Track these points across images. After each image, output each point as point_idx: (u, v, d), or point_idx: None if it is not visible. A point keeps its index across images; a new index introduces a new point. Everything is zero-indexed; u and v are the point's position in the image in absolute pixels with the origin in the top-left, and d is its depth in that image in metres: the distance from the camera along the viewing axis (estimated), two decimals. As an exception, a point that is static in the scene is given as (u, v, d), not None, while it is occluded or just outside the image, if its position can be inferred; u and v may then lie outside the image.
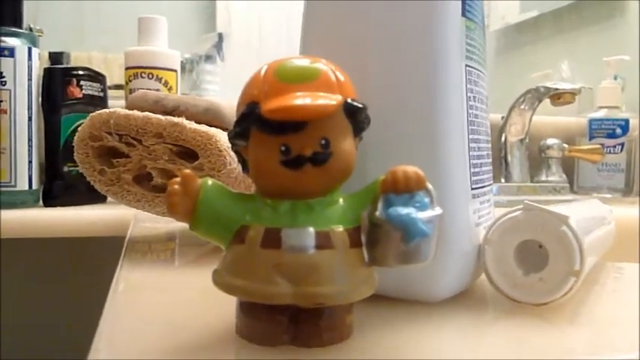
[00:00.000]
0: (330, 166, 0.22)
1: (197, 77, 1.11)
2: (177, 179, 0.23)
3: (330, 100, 0.22)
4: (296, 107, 0.21)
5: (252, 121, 0.22)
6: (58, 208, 0.70)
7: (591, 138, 1.01)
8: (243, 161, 0.24)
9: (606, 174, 1.01)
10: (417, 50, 0.28)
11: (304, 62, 0.23)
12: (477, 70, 0.30)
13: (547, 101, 0.93)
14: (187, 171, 0.23)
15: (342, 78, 0.23)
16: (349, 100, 0.23)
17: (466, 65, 0.29)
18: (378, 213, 0.22)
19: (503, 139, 0.95)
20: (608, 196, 0.98)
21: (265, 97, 0.22)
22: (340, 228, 0.22)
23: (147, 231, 0.53)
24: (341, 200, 0.23)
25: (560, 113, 1.02)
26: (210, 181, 0.24)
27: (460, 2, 0.29)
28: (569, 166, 1.02)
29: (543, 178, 0.99)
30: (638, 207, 0.78)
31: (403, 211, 0.21)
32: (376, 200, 0.22)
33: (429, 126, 0.28)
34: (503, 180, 0.95)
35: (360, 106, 0.23)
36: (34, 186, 0.71)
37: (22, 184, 0.69)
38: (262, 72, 0.23)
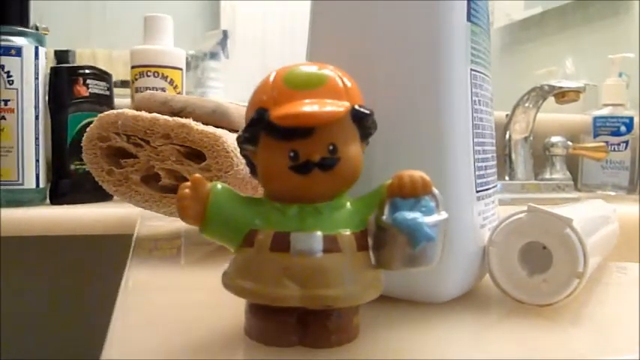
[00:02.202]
0: (337, 171, 0.23)
1: (201, 74, 1.11)
2: (188, 183, 0.24)
3: (337, 106, 0.22)
4: (304, 114, 0.22)
5: (262, 127, 0.23)
6: (65, 206, 0.71)
7: (596, 136, 1.01)
8: (252, 165, 0.25)
9: (610, 172, 1.01)
10: (423, 55, 0.28)
11: (312, 69, 0.24)
12: (482, 73, 0.31)
13: (552, 98, 0.94)
14: (197, 175, 0.24)
15: (349, 84, 0.23)
16: (356, 107, 0.23)
17: (471, 69, 0.29)
18: (384, 217, 0.22)
19: (507, 136, 0.95)
20: (612, 193, 0.99)
21: (274, 104, 0.22)
22: (347, 232, 0.23)
23: (154, 229, 0.54)
24: (348, 204, 0.24)
25: (564, 111, 1.02)
26: (219, 185, 0.24)
27: (465, 7, 0.29)
28: (573, 164, 1.02)
29: (547, 175, 0.99)
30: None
31: (409, 215, 0.22)
32: (383, 204, 0.23)
33: (434, 130, 0.28)
34: (507, 178, 0.95)
35: (367, 112, 0.23)
36: (41, 184, 0.71)
37: (30, 183, 0.70)
38: (271, 78, 0.23)
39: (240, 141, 0.24)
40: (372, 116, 0.24)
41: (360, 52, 0.29)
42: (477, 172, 0.30)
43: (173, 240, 0.50)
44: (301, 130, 0.22)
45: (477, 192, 0.30)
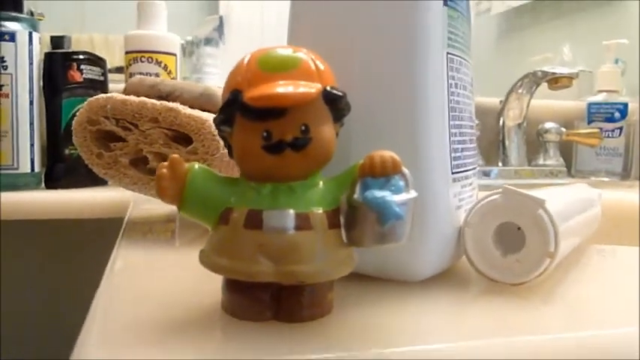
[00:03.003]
0: (309, 151, 0.23)
1: (198, 60, 1.11)
2: (165, 164, 0.24)
3: (309, 88, 0.23)
4: (277, 95, 0.22)
5: (236, 108, 0.23)
6: (60, 190, 0.72)
7: (590, 122, 1.02)
8: (229, 146, 0.25)
9: (604, 158, 1.02)
10: (398, 38, 0.29)
11: (286, 52, 0.24)
12: (459, 57, 0.31)
13: (546, 84, 0.94)
14: (175, 155, 0.24)
15: (321, 67, 0.24)
16: (328, 88, 0.24)
17: (447, 53, 0.30)
18: (355, 196, 0.23)
19: (501, 123, 0.96)
20: (606, 179, 0.99)
21: (248, 85, 0.23)
22: (320, 210, 0.23)
23: (146, 212, 0.54)
24: (321, 183, 0.24)
25: (558, 97, 1.02)
26: (197, 166, 0.25)
27: (442, -9, 0.29)
28: (567, 150, 1.03)
29: (541, 162, 0.99)
30: (639, 191, 0.79)
31: (379, 194, 0.22)
32: (355, 184, 0.23)
33: (409, 112, 0.29)
34: (500, 164, 0.96)
35: (339, 93, 0.24)
36: (36, 168, 0.72)
37: (25, 167, 0.71)
38: (245, 61, 0.24)
39: (217, 122, 0.25)
40: (345, 98, 0.24)
41: (335, 34, 0.30)
42: (453, 154, 0.30)
43: (165, 223, 0.51)
44: (274, 111, 0.23)
45: (453, 174, 0.30)
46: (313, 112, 0.23)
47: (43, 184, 0.74)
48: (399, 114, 0.29)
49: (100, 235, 0.74)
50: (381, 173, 0.23)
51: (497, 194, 0.30)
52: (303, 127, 0.23)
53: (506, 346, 0.23)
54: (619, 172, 1.01)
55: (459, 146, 0.31)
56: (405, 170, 0.23)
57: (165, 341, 0.22)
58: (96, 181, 0.73)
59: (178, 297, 0.28)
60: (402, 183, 0.23)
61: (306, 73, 0.23)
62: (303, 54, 0.24)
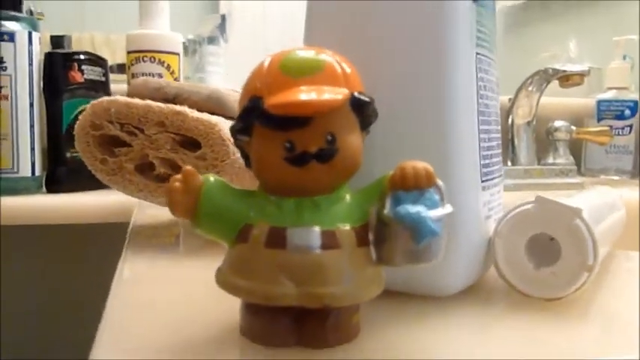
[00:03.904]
0: (336, 163, 0.21)
1: (200, 59, 1.09)
2: (178, 176, 0.22)
3: (335, 94, 0.21)
4: (301, 102, 0.21)
5: (256, 116, 0.21)
6: (62, 194, 0.70)
7: (599, 119, 1.00)
8: (246, 156, 0.23)
9: (614, 156, 1.00)
10: (427, 39, 0.27)
11: (309, 54, 0.22)
12: (488, 57, 0.29)
13: (555, 81, 0.92)
14: (189, 167, 0.23)
15: (348, 70, 0.22)
16: (356, 94, 0.22)
17: (477, 53, 0.28)
18: (386, 211, 0.21)
19: (510, 121, 0.94)
20: (616, 178, 0.98)
21: (269, 91, 0.21)
22: (347, 226, 0.22)
23: (150, 218, 0.53)
24: (348, 197, 0.23)
25: (568, 94, 1.00)
26: (212, 178, 0.23)
27: (471, -13, 0.27)
28: (577, 148, 1.01)
29: (551, 160, 0.98)
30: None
31: (413, 209, 0.21)
32: (384, 197, 0.22)
33: (438, 118, 0.27)
34: (510, 163, 0.94)
35: (367, 99, 0.22)
36: (37, 172, 0.70)
37: (25, 171, 0.69)
38: (266, 64, 0.22)
39: (234, 131, 0.23)
40: (373, 104, 0.23)
41: (360, 35, 0.28)
42: (482, 162, 0.28)
43: (171, 227, 0.49)
44: (297, 120, 0.21)
45: (483, 182, 0.29)
46: (339, 120, 0.22)
47: (44, 188, 0.72)
48: (427, 120, 0.27)
49: (103, 240, 0.73)
50: (414, 186, 0.21)
51: (529, 203, 0.28)
52: (329, 137, 0.21)
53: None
54: (629, 170, 0.99)
55: (488, 152, 0.29)
56: (440, 182, 0.21)
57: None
58: (99, 185, 0.71)
59: (192, 317, 0.26)
60: (437, 197, 0.21)
61: (331, 78, 0.22)
62: (328, 56, 0.22)
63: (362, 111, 0.22)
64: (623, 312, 0.29)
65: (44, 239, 0.82)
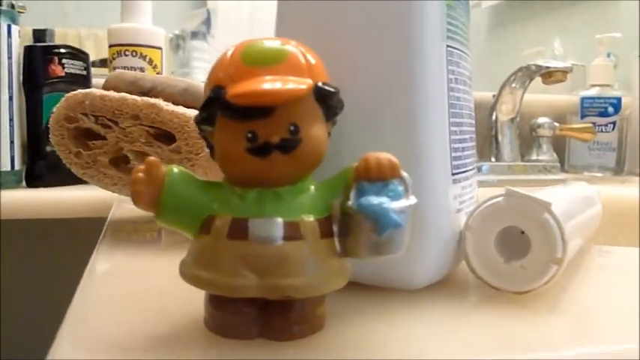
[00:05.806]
0: (299, 153, 0.21)
1: (185, 55, 1.09)
2: (141, 167, 0.22)
3: (299, 84, 0.21)
4: (263, 92, 0.20)
5: (218, 106, 0.21)
6: (42, 188, 0.69)
7: (583, 116, 1.00)
8: (210, 147, 0.23)
9: (597, 153, 1.00)
10: (395, 31, 0.27)
11: (272, 44, 0.22)
12: (459, 50, 0.29)
13: (539, 78, 0.92)
14: (152, 158, 0.22)
15: (312, 61, 0.22)
16: (320, 84, 0.22)
17: (447, 46, 0.28)
18: (349, 202, 0.21)
19: (493, 117, 0.94)
20: (599, 175, 0.98)
21: (231, 81, 0.21)
22: (310, 218, 0.21)
23: (128, 212, 0.52)
24: (312, 188, 0.22)
25: (551, 91, 1.00)
26: (176, 169, 0.23)
27: (441, -20, 0.27)
28: (560, 145, 1.01)
29: (534, 157, 0.98)
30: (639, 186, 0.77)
31: (375, 200, 0.20)
32: (349, 188, 0.21)
33: (407, 109, 0.27)
34: (493, 159, 0.94)
35: (332, 90, 0.22)
36: (17, 166, 0.69)
37: (4, 165, 0.68)
38: (229, 54, 0.22)
39: (198, 121, 0.22)
40: (338, 95, 0.22)
41: (328, 27, 0.27)
42: (453, 154, 0.28)
43: (148, 223, 0.49)
44: (259, 110, 0.21)
45: (454, 175, 0.28)
46: (303, 111, 0.21)
47: (24, 183, 0.71)
48: (395, 111, 0.27)
49: (84, 235, 0.72)
50: (377, 177, 0.21)
51: (499, 196, 0.28)
52: (291, 128, 0.21)
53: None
54: (612, 167, 0.99)
55: (460, 145, 0.29)
56: (404, 174, 0.21)
57: (141, 356, 0.20)
58: (79, 179, 0.71)
59: (159, 311, 0.26)
60: (400, 188, 0.21)
61: (295, 68, 0.21)
62: (291, 46, 0.22)
63: (326, 101, 0.22)
64: (592, 305, 0.29)
65: (24, 234, 0.81)
